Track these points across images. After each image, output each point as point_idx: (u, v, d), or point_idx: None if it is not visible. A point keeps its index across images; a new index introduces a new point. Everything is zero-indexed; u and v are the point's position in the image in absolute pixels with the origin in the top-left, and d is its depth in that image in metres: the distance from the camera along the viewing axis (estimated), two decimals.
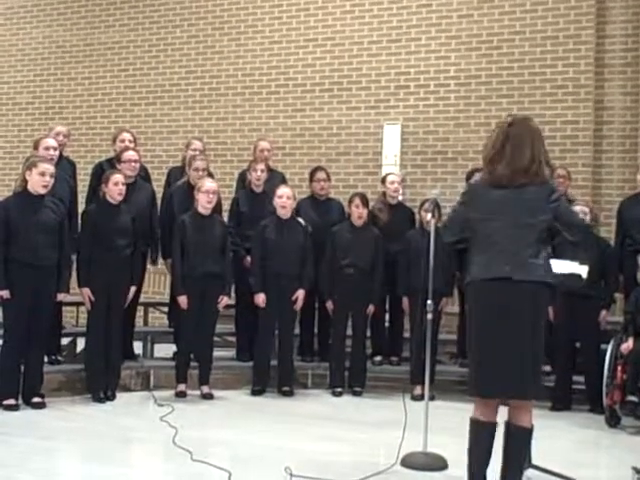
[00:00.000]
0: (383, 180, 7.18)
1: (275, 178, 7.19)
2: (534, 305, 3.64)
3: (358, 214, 6.63)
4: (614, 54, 8.10)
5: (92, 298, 5.94)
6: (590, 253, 5.90)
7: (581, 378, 6.22)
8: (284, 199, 6.48)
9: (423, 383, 5.04)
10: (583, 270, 4.40)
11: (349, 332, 6.67)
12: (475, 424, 3.71)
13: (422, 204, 6.35)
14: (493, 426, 3.69)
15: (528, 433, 3.77)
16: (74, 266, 6.03)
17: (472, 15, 8.56)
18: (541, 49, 8.26)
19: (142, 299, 7.13)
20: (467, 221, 3.81)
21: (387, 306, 6.97)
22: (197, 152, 7.18)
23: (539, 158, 3.69)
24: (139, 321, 7.47)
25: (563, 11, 8.20)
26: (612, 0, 8.11)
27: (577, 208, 6.13)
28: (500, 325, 3.60)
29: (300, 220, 6.67)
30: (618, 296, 6.58)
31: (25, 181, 5.66)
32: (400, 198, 7.17)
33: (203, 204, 6.30)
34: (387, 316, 7.02)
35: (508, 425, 3.72)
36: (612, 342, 5.83)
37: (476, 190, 3.83)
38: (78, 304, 6.98)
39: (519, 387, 3.62)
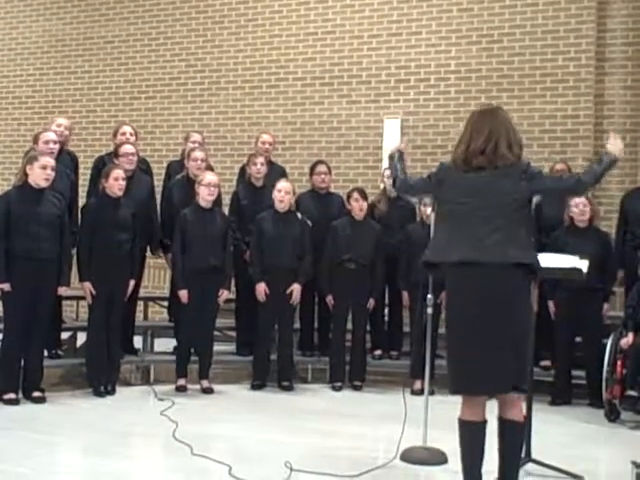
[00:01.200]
0: (382, 174, 7.18)
1: (276, 172, 7.18)
2: (508, 289, 3.50)
3: (359, 207, 6.62)
4: (615, 48, 8.09)
5: (93, 292, 5.94)
6: (591, 244, 5.94)
7: (580, 372, 6.22)
8: (282, 193, 6.47)
9: (423, 377, 5.05)
10: (583, 264, 4.40)
11: (349, 326, 6.67)
12: (464, 426, 3.58)
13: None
14: (483, 425, 3.56)
15: (521, 426, 3.68)
16: (74, 260, 6.03)
17: (472, 9, 8.54)
18: (541, 43, 8.24)
19: (142, 293, 7.15)
20: (435, 198, 3.84)
21: (386, 300, 6.97)
22: (196, 144, 7.17)
23: (516, 144, 3.63)
24: (139, 315, 7.46)
25: (564, 5, 8.18)
26: None
27: (579, 200, 6.15)
28: (475, 313, 3.47)
29: (298, 214, 6.65)
30: (618, 290, 6.57)
31: (25, 175, 5.65)
32: None
33: (204, 197, 6.29)
34: (386, 310, 7.02)
35: (500, 421, 3.61)
36: (612, 336, 5.83)
37: (449, 172, 3.72)
38: (78, 298, 6.97)
39: (502, 381, 3.50)
